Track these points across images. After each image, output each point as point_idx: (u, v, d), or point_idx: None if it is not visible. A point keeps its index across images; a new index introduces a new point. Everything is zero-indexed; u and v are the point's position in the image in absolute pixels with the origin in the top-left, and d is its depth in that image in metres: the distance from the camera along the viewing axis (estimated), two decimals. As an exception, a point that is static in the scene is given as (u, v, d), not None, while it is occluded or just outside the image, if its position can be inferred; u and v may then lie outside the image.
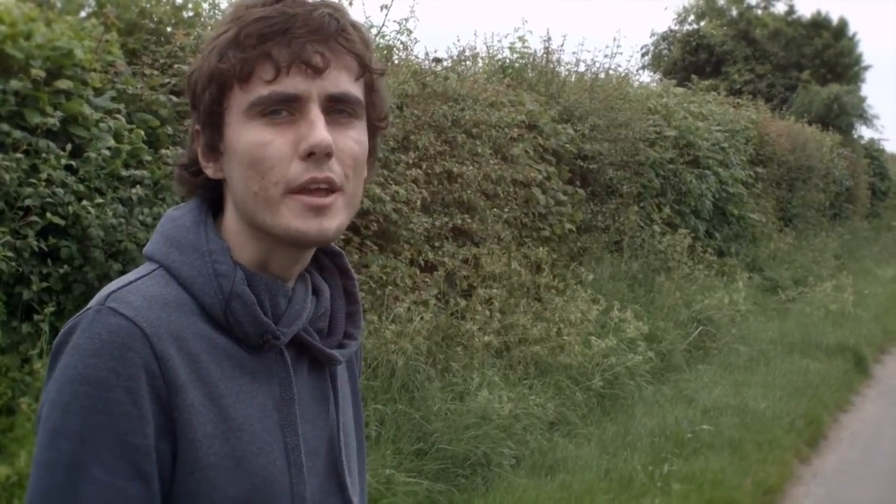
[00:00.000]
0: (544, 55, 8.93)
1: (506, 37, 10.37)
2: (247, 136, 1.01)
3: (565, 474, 4.64)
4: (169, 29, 4.95)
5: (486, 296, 5.80)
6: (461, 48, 8.21)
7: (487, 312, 5.64)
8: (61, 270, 3.54)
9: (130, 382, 0.94)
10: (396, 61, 6.46)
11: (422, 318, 5.05)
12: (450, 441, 4.48)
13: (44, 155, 3.58)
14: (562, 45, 9.93)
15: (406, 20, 6.54)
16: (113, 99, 4.09)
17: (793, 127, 14.92)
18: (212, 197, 1.09)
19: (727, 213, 11.08)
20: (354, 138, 1.04)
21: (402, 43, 6.61)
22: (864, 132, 26.49)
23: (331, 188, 1.01)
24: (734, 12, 24.83)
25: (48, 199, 3.50)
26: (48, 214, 3.48)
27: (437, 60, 6.93)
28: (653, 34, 25.14)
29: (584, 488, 4.49)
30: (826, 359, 7.81)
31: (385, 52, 6.33)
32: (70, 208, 3.56)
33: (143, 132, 4.03)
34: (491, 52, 8.97)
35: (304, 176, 1.00)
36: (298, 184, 1.00)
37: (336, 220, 1.02)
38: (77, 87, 3.88)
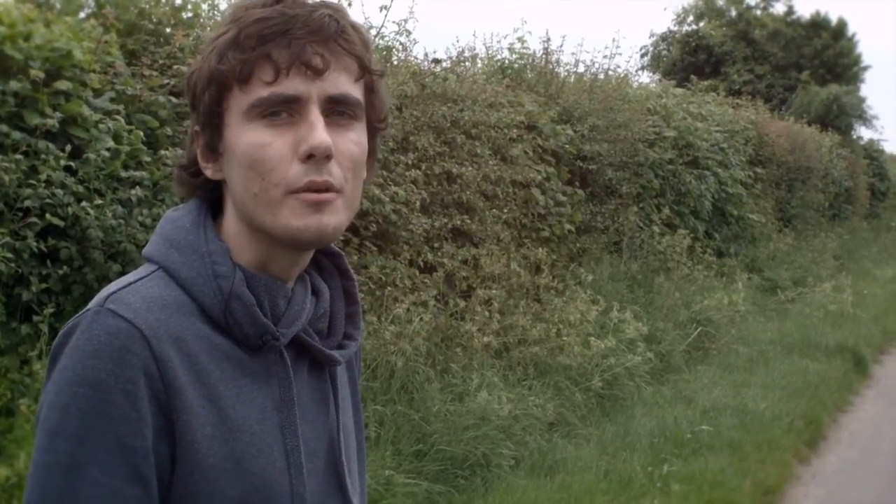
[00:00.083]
0: (543, 56, 8.94)
1: (505, 37, 10.38)
2: (246, 137, 1.01)
3: (565, 475, 4.64)
4: (168, 30, 4.95)
5: (486, 297, 5.80)
6: (460, 49, 8.22)
7: (487, 313, 5.64)
8: (61, 271, 3.53)
9: (129, 384, 0.94)
10: (395, 62, 6.46)
11: (421, 319, 5.05)
12: (449, 442, 4.48)
13: (43, 156, 3.58)
14: (561, 46, 9.92)
15: (405, 21, 6.55)
16: (112, 100, 4.09)
17: (792, 127, 14.92)
18: (211, 198, 1.09)
19: (726, 213, 11.08)
20: (354, 140, 1.04)
21: (401, 44, 6.62)
22: (864, 133, 26.59)
23: (329, 191, 1.01)
24: (733, 13, 24.84)
25: (47, 201, 3.50)
26: (47, 215, 3.48)
27: (437, 61, 6.93)
28: (652, 35, 25.16)
29: (584, 489, 4.49)
30: (825, 359, 7.81)
31: (384, 52, 6.33)
32: (69, 209, 3.56)
33: (142, 133, 4.03)
34: (490, 52, 8.98)
35: (303, 179, 1.00)
36: (298, 187, 1.00)
37: (335, 217, 1.02)
38: (76, 88, 3.89)
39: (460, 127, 6.38)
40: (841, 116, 20.28)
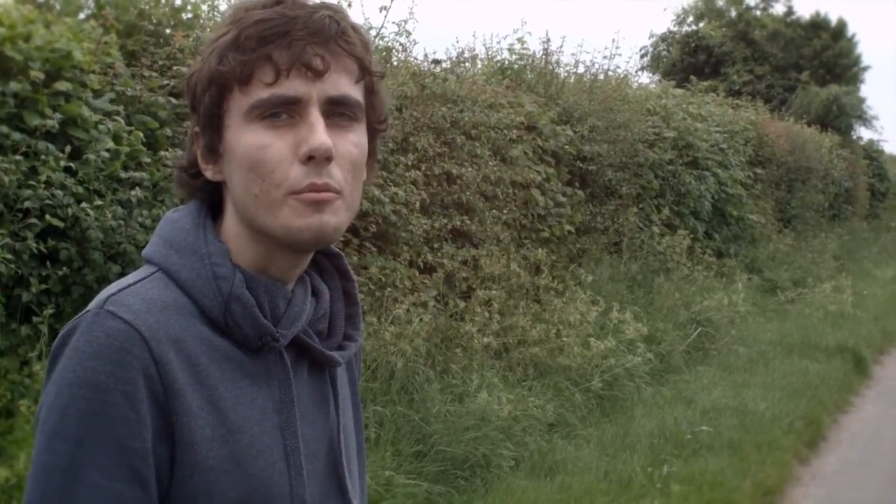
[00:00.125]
0: (543, 56, 8.94)
1: (505, 38, 10.38)
2: (247, 138, 1.01)
3: (565, 476, 4.64)
4: (168, 31, 4.96)
5: (486, 297, 5.80)
6: (460, 49, 8.21)
7: (486, 314, 5.63)
8: (60, 272, 3.53)
9: (128, 386, 0.94)
10: (395, 63, 6.46)
11: (421, 319, 5.05)
12: (449, 443, 4.48)
13: (43, 157, 3.58)
14: (561, 47, 9.94)
15: (405, 22, 6.54)
16: (112, 101, 4.09)
17: (792, 128, 14.92)
18: (211, 199, 1.09)
19: (726, 214, 11.08)
20: (354, 141, 1.04)
21: (401, 44, 6.62)
22: (864, 133, 26.59)
23: (329, 192, 1.01)
24: (733, 13, 24.84)
25: (47, 202, 3.50)
26: (47, 216, 3.48)
27: (436, 62, 6.93)
28: (652, 35, 25.15)
29: (584, 490, 4.49)
30: (825, 360, 7.81)
31: (384, 53, 6.33)
32: (69, 210, 3.56)
33: (142, 134, 4.03)
34: (490, 53, 8.98)
35: (303, 181, 1.00)
36: (299, 189, 1.00)
37: (336, 217, 1.02)
38: (76, 89, 3.89)
39: (460, 128, 6.38)
40: (841, 117, 20.28)
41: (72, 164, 3.64)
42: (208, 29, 5.03)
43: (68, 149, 3.65)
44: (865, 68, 24.79)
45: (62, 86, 3.80)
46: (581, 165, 8.03)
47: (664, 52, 24.53)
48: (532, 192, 7.08)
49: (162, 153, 4.13)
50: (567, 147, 7.77)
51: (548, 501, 4.33)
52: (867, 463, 5.75)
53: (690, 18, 25.16)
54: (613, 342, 6.10)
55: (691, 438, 5.43)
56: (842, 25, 24.50)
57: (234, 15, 1.03)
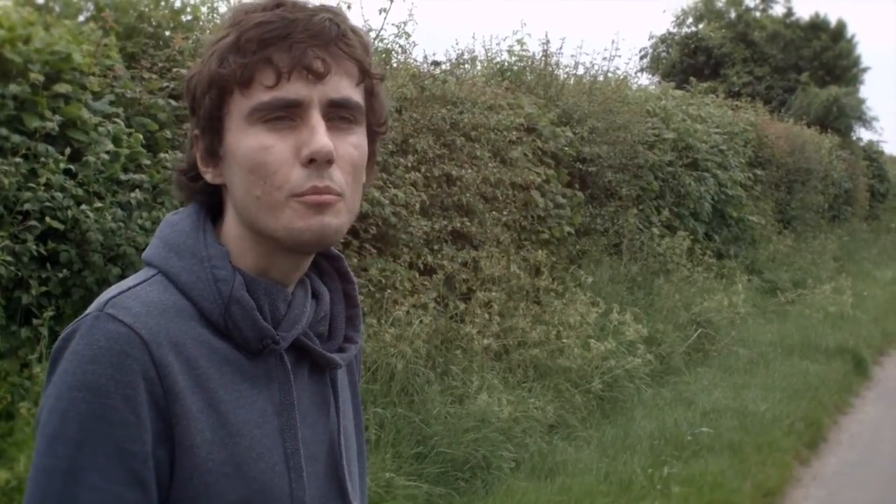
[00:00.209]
0: (543, 58, 8.94)
1: (504, 40, 10.39)
2: (248, 141, 1.01)
3: (565, 477, 4.64)
4: (167, 33, 4.96)
5: (486, 299, 5.80)
6: (460, 51, 8.23)
7: (486, 315, 5.63)
8: (60, 275, 3.53)
9: (128, 389, 0.94)
10: (395, 65, 6.46)
11: (421, 321, 5.04)
12: (449, 444, 4.48)
13: (43, 159, 3.58)
14: (560, 48, 9.94)
15: (404, 23, 6.55)
16: (112, 103, 4.09)
17: (791, 129, 14.92)
18: (211, 202, 1.09)
19: (726, 215, 11.08)
20: (354, 144, 1.04)
21: (400, 46, 6.62)
22: (863, 134, 26.60)
23: (330, 194, 1.02)
24: (732, 14, 24.84)
25: (47, 204, 3.50)
26: (47, 219, 3.48)
27: (436, 64, 6.94)
28: (651, 37, 25.15)
29: (584, 491, 4.49)
30: (825, 361, 7.81)
31: (383, 55, 6.34)
32: (69, 212, 3.55)
33: (141, 136, 4.03)
34: (489, 55, 8.99)
35: (305, 184, 1.00)
36: (301, 191, 1.00)
37: (337, 219, 1.02)
38: (76, 91, 3.89)
39: (460, 129, 6.38)
40: (840, 118, 20.30)
41: (71, 167, 3.64)
42: (208, 31, 5.03)
43: (68, 151, 3.65)
44: (865, 69, 24.82)
45: (62, 88, 3.80)
46: (581, 167, 8.03)
47: (664, 54, 24.54)
48: (532, 194, 7.08)
49: (162, 155, 4.13)
50: (567, 148, 7.77)
51: (548, 503, 4.33)
52: (867, 464, 5.75)
53: (690, 20, 25.18)
54: (613, 343, 6.10)
55: (691, 440, 5.43)
56: (841, 26, 24.51)
57: (233, 17, 1.03)
